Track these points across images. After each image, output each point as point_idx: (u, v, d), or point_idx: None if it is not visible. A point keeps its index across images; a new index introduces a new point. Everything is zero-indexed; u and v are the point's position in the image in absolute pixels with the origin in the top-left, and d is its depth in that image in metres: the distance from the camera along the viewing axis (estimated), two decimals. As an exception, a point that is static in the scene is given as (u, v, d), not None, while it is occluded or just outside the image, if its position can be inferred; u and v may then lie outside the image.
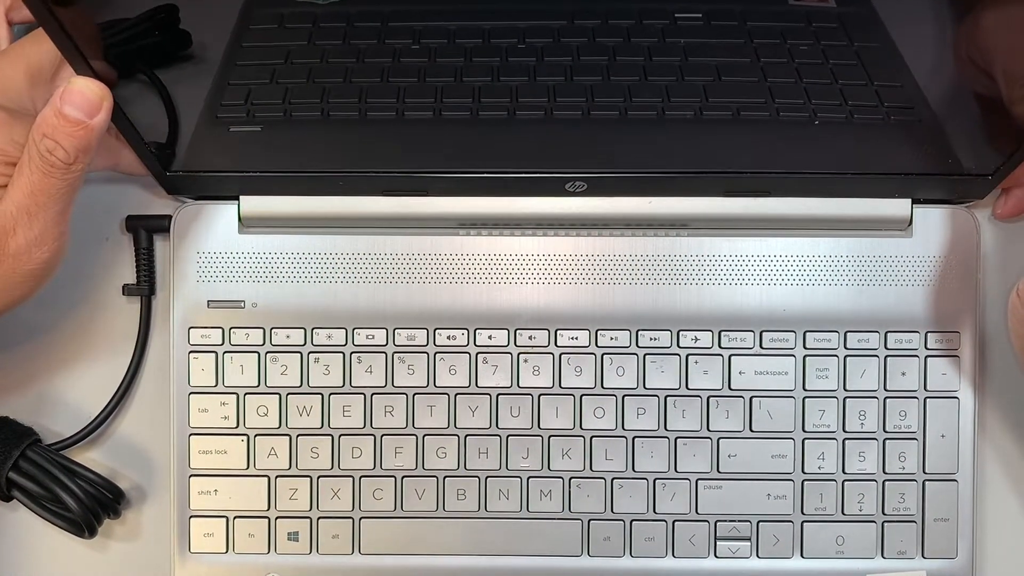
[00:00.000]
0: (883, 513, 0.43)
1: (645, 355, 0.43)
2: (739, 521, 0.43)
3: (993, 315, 0.44)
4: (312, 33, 0.41)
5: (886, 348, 0.43)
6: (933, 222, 0.43)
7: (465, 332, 0.43)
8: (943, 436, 0.43)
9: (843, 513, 0.43)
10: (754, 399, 0.43)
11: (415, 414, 0.43)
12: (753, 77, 0.41)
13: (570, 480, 0.43)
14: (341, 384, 0.43)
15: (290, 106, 0.41)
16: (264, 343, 0.43)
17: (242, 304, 0.43)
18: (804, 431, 0.43)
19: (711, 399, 0.43)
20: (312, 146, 0.42)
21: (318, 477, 0.43)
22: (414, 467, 0.43)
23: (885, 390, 0.43)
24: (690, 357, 0.43)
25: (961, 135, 0.41)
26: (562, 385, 0.43)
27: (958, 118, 0.41)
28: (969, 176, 0.41)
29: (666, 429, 0.43)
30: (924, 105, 0.40)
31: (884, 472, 0.43)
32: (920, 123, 0.41)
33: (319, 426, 0.43)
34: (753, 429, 0.43)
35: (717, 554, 0.43)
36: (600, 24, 0.39)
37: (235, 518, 0.43)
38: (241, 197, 0.43)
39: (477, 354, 0.43)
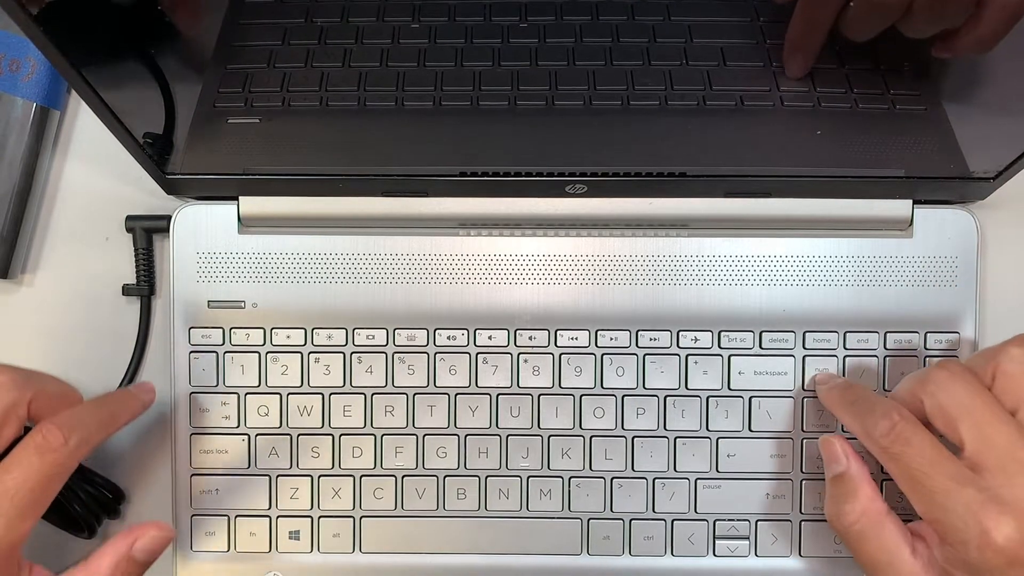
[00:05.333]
0: (881, 512, 0.43)
1: (645, 355, 0.43)
2: (738, 520, 0.43)
3: (993, 316, 0.44)
4: (310, 9, 0.41)
5: (885, 348, 0.43)
6: (934, 223, 0.43)
7: (465, 332, 0.43)
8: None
9: (841, 512, 0.43)
10: (753, 399, 0.43)
11: (415, 414, 0.43)
12: (758, 61, 0.41)
13: (570, 479, 0.43)
14: (341, 384, 0.43)
15: (289, 94, 0.40)
16: (264, 343, 0.43)
17: (242, 304, 0.43)
18: (803, 431, 0.43)
19: (710, 399, 0.43)
20: (311, 139, 0.41)
21: (319, 476, 0.43)
22: (414, 467, 0.43)
23: (884, 390, 0.43)
24: (690, 357, 0.43)
25: (966, 128, 0.41)
26: (562, 385, 0.43)
27: (964, 109, 0.41)
28: (971, 179, 0.41)
29: (665, 429, 0.43)
30: (930, 92, 0.40)
31: (882, 472, 0.43)
32: (925, 111, 0.41)
33: (320, 426, 0.43)
34: (752, 429, 0.43)
35: (716, 553, 0.43)
36: (604, 0, 0.39)
37: (236, 517, 0.43)
38: (240, 198, 0.43)
39: (477, 354, 0.43)
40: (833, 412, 0.41)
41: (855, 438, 0.39)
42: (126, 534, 0.36)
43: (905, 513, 0.38)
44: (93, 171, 0.45)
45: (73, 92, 0.45)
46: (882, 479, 0.43)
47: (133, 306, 0.44)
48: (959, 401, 0.35)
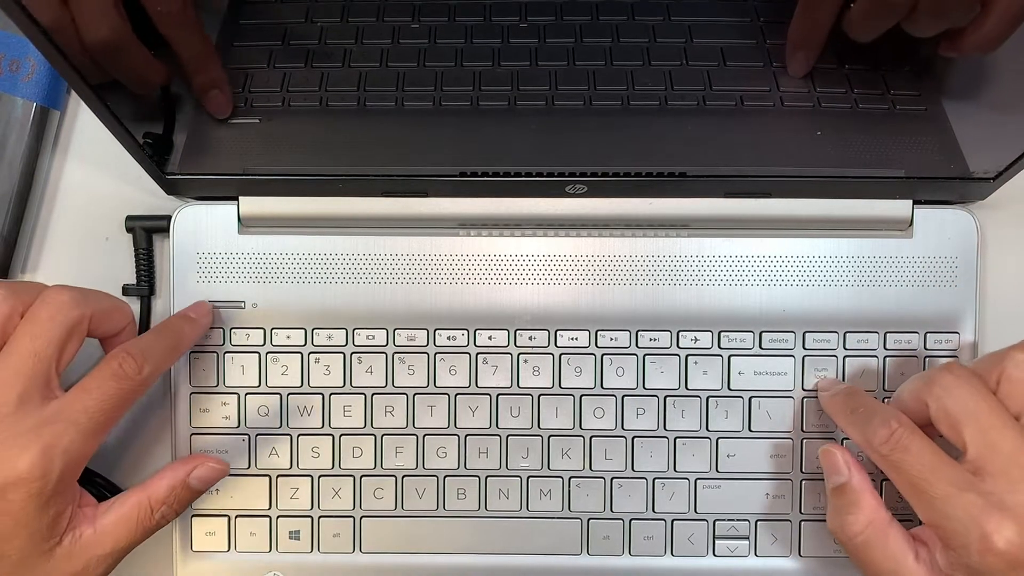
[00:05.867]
0: (881, 512, 0.43)
1: (645, 355, 0.43)
2: (738, 520, 0.43)
3: (992, 316, 0.44)
4: (310, 9, 0.41)
5: (885, 349, 0.43)
6: (934, 223, 0.43)
7: (465, 332, 0.43)
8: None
9: (841, 512, 0.43)
10: (753, 399, 0.43)
11: (415, 414, 0.43)
12: (758, 61, 0.41)
13: (570, 479, 0.43)
14: (342, 384, 0.43)
15: (288, 94, 0.41)
16: (265, 343, 0.43)
17: (242, 304, 0.43)
18: (803, 431, 0.43)
19: (710, 399, 0.43)
20: (311, 139, 0.41)
21: (319, 476, 0.43)
22: (414, 467, 0.43)
23: (884, 390, 0.43)
24: (689, 357, 0.43)
25: (966, 128, 0.41)
26: (562, 385, 0.43)
27: (965, 109, 0.41)
28: (971, 179, 0.41)
29: (665, 429, 0.43)
30: (930, 92, 0.40)
31: (880, 472, 0.43)
32: (925, 111, 0.41)
33: (320, 426, 0.43)
34: (752, 429, 0.43)
35: (716, 553, 0.43)
36: (604, 0, 0.39)
37: (237, 517, 0.43)
38: (240, 198, 0.43)
39: (477, 354, 0.43)
40: (834, 420, 0.41)
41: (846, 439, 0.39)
42: (185, 461, 0.39)
43: (905, 514, 0.38)
44: (93, 171, 0.45)
45: (73, 92, 0.45)
46: (881, 479, 0.43)
47: (133, 306, 0.44)
48: (964, 405, 0.35)
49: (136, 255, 0.44)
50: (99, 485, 0.43)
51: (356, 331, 0.43)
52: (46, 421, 0.34)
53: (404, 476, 0.43)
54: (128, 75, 0.37)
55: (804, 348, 0.43)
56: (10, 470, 0.33)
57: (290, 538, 0.43)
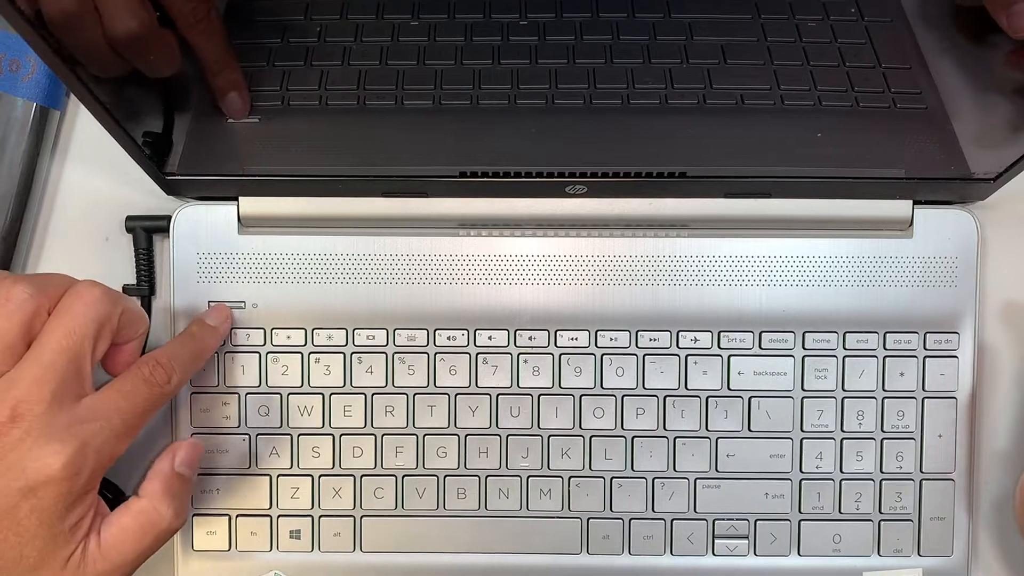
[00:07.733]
0: (880, 512, 0.43)
1: (644, 355, 0.43)
2: (737, 520, 0.43)
3: (992, 316, 0.44)
4: (309, 6, 0.41)
5: (885, 349, 0.43)
6: (934, 223, 0.43)
7: (465, 333, 0.43)
8: (940, 436, 0.43)
9: (840, 512, 0.43)
10: (753, 399, 0.43)
11: (415, 414, 0.43)
12: (759, 60, 0.41)
13: (569, 479, 0.43)
14: (342, 384, 0.43)
15: (288, 93, 0.41)
16: (265, 343, 0.43)
17: (243, 305, 0.43)
18: (802, 431, 0.43)
19: (710, 399, 0.43)
20: (311, 139, 0.41)
21: (319, 476, 0.43)
22: (415, 466, 0.43)
23: (883, 390, 0.43)
24: (689, 357, 0.43)
25: (967, 128, 0.41)
26: (562, 385, 0.43)
27: (966, 108, 0.41)
28: (971, 179, 0.41)
29: (665, 429, 0.43)
30: (932, 91, 0.40)
31: (881, 472, 0.43)
32: (926, 111, 0.41)
33: (320, 426, 0.43)
34: (752, 429, 0.43)
35: (715, 552, 0.44)
36: (604, -2, 0.40)
37: (237, 516, 0.43)
38: (240, 198, 0.43)
39: (477, 354, 0.43)
40: None
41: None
42: (164, 455, 0.39)
43: None
44: (93, 171, 0.45)
45: (72, 92, 0.45)
46: None
47: (133, 306, 0.44)
48: None
49: (136, 255, 0.44)
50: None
51: (356, 331, 0.43)
52: (80, 419, 0.34)
53: (404, 476, 0.43)
54: (149, 63, 0.36)
55: (804, 348, 0.43)
56: (44, 469, 0.33)
57: (291, 537, 0.43)
